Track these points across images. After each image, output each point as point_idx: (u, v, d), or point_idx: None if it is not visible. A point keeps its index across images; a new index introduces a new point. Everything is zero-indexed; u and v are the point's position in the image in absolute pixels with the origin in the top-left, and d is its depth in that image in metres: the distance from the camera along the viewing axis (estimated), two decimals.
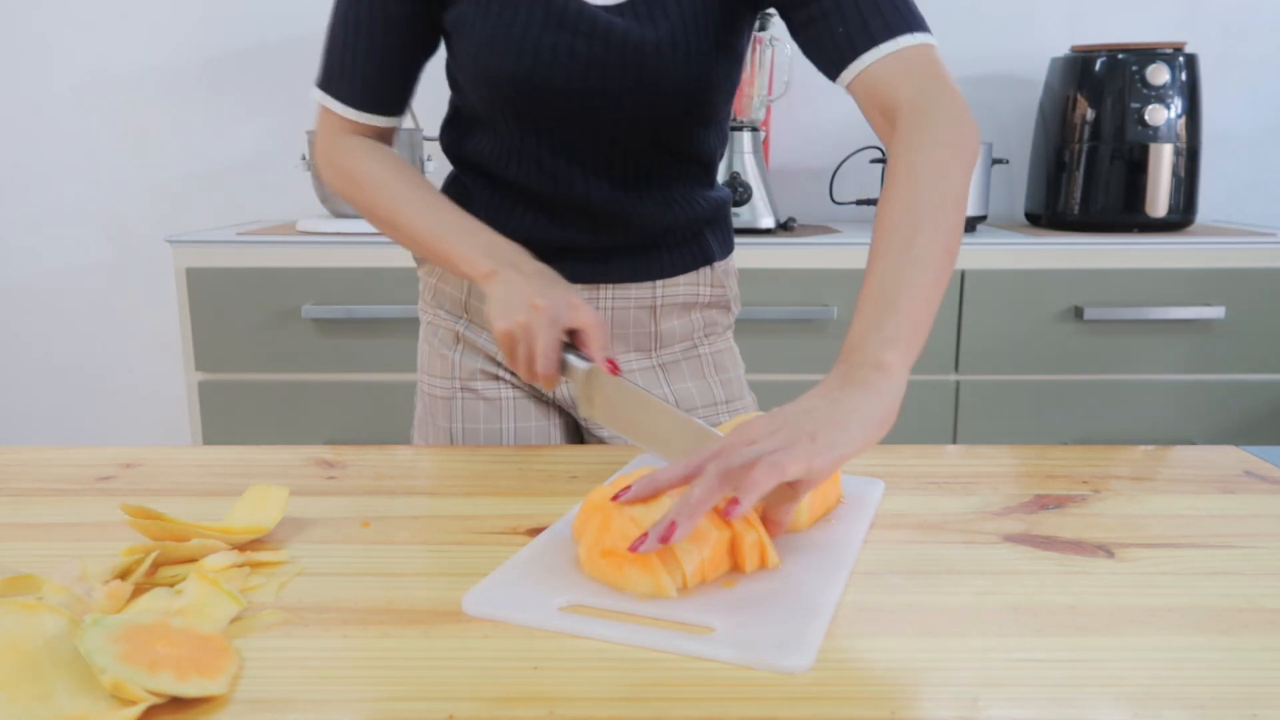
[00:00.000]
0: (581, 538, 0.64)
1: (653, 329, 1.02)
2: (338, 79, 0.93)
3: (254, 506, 0.72)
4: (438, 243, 0.89)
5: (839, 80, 0.83)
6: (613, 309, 1.00)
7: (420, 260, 1.07)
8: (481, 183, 0.98)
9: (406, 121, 1.05)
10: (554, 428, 1.03)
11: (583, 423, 1.05)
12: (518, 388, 1.03)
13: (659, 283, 1.00)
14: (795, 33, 0.87)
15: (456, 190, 1.02)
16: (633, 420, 0.75)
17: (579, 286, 0.98)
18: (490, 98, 0.90)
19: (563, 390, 1.02)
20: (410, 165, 0.95)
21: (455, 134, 0.99)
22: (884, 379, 0.65)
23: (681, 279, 1.01)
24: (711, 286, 1.04)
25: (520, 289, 0.81)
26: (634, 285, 1.00)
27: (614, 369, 0.77)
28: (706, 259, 1.03)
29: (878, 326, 0.67)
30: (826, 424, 0.61)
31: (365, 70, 0.92)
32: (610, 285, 0.99)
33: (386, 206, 0.92)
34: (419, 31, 0.92)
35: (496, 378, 1.02)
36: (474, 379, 1.02)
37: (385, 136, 0.98)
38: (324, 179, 0.96)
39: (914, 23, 0.81)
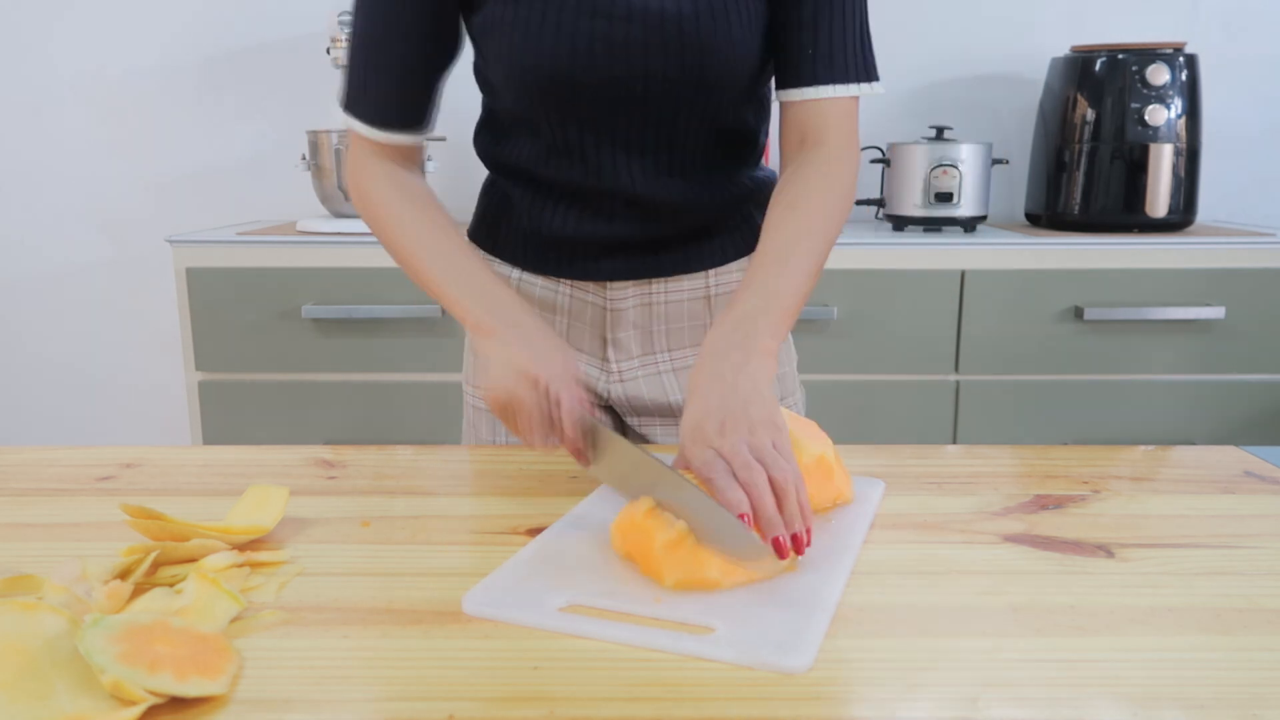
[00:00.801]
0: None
1: (708, 320, 1.00)
2: (359, 98, 0.91)
3: (254, 506, 0.72)
4: (442, 292, 0.86)
5: (784, 92, 0.89)
6: (666, 303, 0.99)
7: None
8: (522, 186, 0.96)
9: None
10: None
11: (632, 428, 1.03)
12: None
13: (712, 271, 0.99)
14: (771, 24, 0.89)
15: (495, 196, 1.00)
16: (624, 475, 0.72)
17: (630, 283, 0.97)
18: (529, 95, 0.88)
19: (617, 389, 1.00)
20: (433, 202, 0.92)
21: (490, 138, 0.98)
22: (770, 362, 0.75)
23: (734, 265, 1.00)
24: None
25: (515, 355, 0.77)
26: (686, 277, 0.98)
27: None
28: (759, 241, 1.01)
29: (765, 310, 0.77)
30: (765, 416, 0.69)
31: (385, 86, 0.90)
32: (662, 279, 0.98)
33: (402, 247, 0.90)
34: (437, 42, 0.90)
35: None
36: None
37: (411, 156, 0.95)
38: (352, 201, 0.96)
39: (870, 72, 0.89)
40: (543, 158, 0.93)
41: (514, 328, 0.81)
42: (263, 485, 0.75)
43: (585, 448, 0.74)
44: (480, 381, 0.79)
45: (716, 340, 0.75)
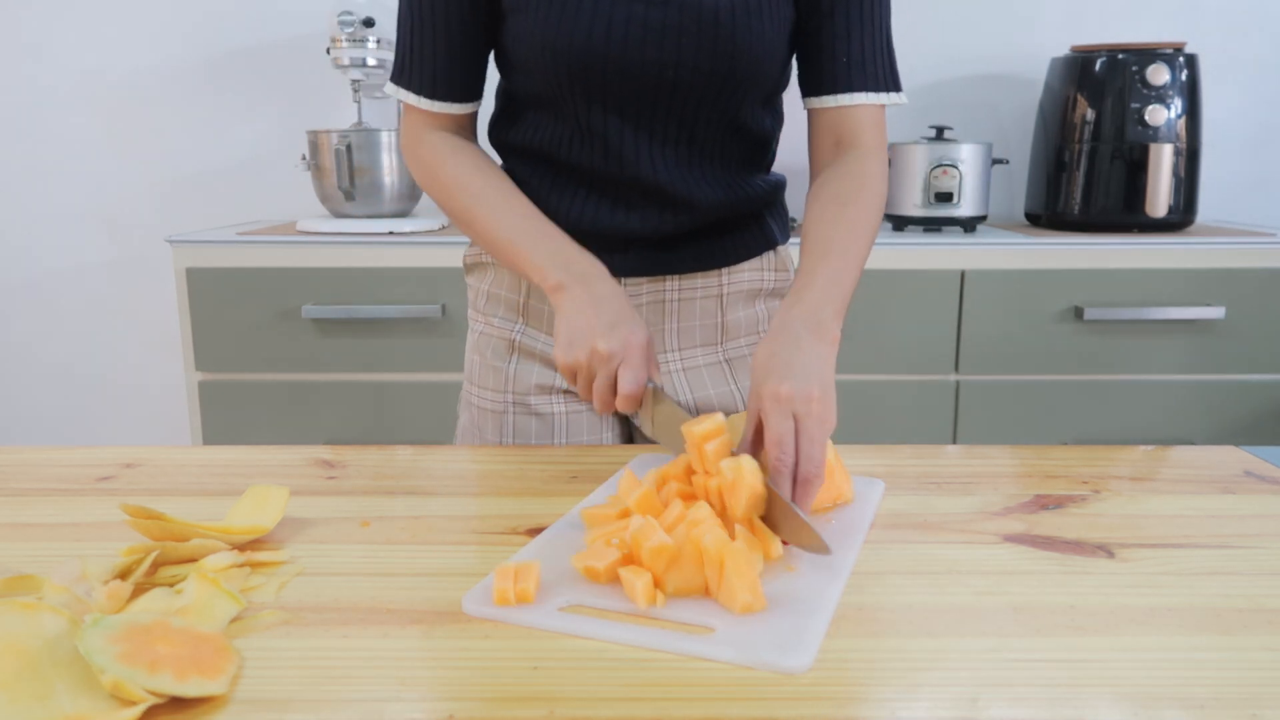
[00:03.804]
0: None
1: (719, 320, 1.01)
2: (410, 70, 0.93)
3: (254, 506, 0.72)
4: (511, 247, 0.89)
5: (816, 98, 0.93)
6: (679, 300, 0.99)
7: (470, 267, 1.05)
8: (540, 171, 0.96)
9: None
10: (608, 441, 1.01)
11: (638, 434, 1.03)
12: (572, 401, 1.00)
13: (725, 270, 1.00)
14: (797, 32, 0.92)
15: None
16: (677, 438, 0.77)
17: (644, 280, 0.98)
18: (558, 76, 0.88)
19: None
20: (489, 162, 0.95)
21: (507, 122, 0.98)
22: (835, 350, 0.79)
23: (746, 265, 1.01)
24: (775, 271, 1.04)
25: (586, 321, 0.82)
26: (700, 276, 0.99)
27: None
28: (769, 243, 1.02)
29: (830, 299, 0.81)
30: (825, 398, 0.73)
31: (435, 58, 0.92)
32: (676, 277, 0.98)
33: (464, 206, 0.92)
34: (483, 13, 0.91)
35: (551, 390, 0.99)
36: (528, 394, 0.99)
37: (465, 125, 0.97)
38: (411, 172, 0.99)
39: (896, 82, 0.94)
40: (564, 141, 0.93)
41: (585, 286, 0.84)
42: (263, 485, 0.75)
43: (642, 410, 0.81)
44: (554, 345, 0.85)
45: (789, 324, 0.78)
